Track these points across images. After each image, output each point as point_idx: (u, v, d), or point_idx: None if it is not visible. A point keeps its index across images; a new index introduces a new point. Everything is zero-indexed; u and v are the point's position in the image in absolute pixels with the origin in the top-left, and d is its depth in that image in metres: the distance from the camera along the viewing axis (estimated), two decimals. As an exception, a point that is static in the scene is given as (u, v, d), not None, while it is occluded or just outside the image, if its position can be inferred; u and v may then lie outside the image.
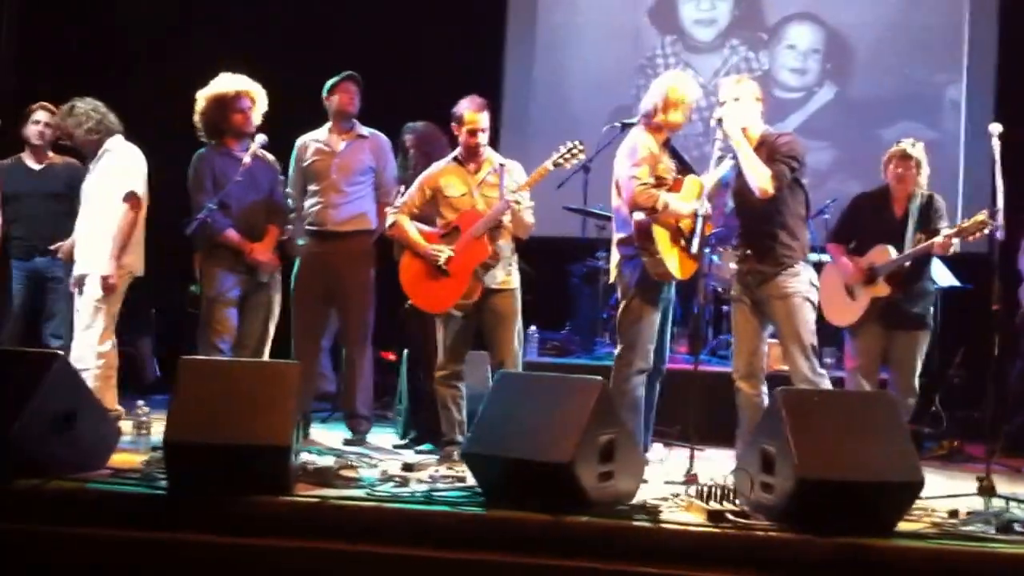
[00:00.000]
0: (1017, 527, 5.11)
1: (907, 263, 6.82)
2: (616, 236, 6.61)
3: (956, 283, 8.05)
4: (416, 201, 6.70)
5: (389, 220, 6.75)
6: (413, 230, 6.67)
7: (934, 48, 10.39)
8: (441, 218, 6.72)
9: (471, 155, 6.69)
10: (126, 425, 6.54)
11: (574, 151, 6.64)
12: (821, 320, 6.71)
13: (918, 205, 6.95)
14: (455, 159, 6.72)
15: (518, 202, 6.50)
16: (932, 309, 7.05)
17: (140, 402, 6.55)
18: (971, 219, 6.47)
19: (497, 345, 6.65)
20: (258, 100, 7.10)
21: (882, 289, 6.85)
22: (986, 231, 6.28)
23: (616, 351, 6.58)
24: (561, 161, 6.65)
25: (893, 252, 6.85)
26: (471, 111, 6.60)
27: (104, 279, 7.02)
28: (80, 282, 7.13)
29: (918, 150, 6.97)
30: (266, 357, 7.15)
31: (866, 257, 6.95)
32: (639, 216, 6.37)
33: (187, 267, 7.79)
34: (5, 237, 7.61)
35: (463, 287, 6.56)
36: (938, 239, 6.69)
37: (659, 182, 6.43)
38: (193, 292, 8.35)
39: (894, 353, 6.99)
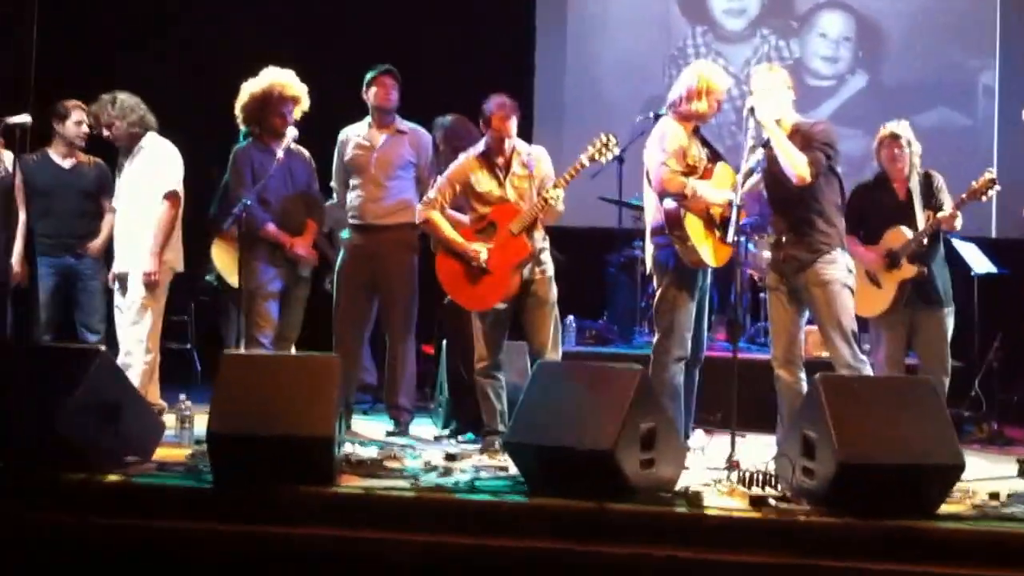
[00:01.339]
0: (1058, 508, 5.13)
1: (924, 240, 6.83)
2: (649, 225, 6.64)
3: (993, 269, 8.05)
4: (447, 196, 6.70)
5: (421, 216, 6.76)
6: (448, 227, 6.68)
7: (966, 34, 10.33)
8: (472, 211, 6.74)
9: (501, 149, 6.68)
10: (169, 419, 6.59)
11: (609, 144, 6.64)
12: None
13: (918, 184, 6.96)
14: (484, 152, 6.71)
15: (555, 198, 6.52)
16: (951, 290, 7.03)
17: (182, 396, 6.59)
18: (979, 179, 6.53)
19: (536, 331, 6.66)
20: (302, 102, 7.14)
21: (908, 271, 6.85)
22: (993, 189, 6.32)
23: (654, 339, 6.60)
24: (596, 155, 6.65)
25: (908, 232, 6.86)
26: (500, 117, 6.57)
27: (147, 275, 7.09)
28: (123, 279, 7.19)
29: (904, 128, 6.99)
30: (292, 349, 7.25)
31: (882, 243, 6.95)
32: (669, 204, 6.39)
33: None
34: (30, 231, 7.65)
35: (506, 286, 6.57)
36: (946, 209, 6.74)
37: (690, 170, 6.44)
38: (209, 282, 8.47)
39: (922, 335, 6.99)
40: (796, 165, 6.16)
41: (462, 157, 6.78)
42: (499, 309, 6.64)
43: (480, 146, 6.74)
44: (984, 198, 6.68)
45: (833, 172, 6.38)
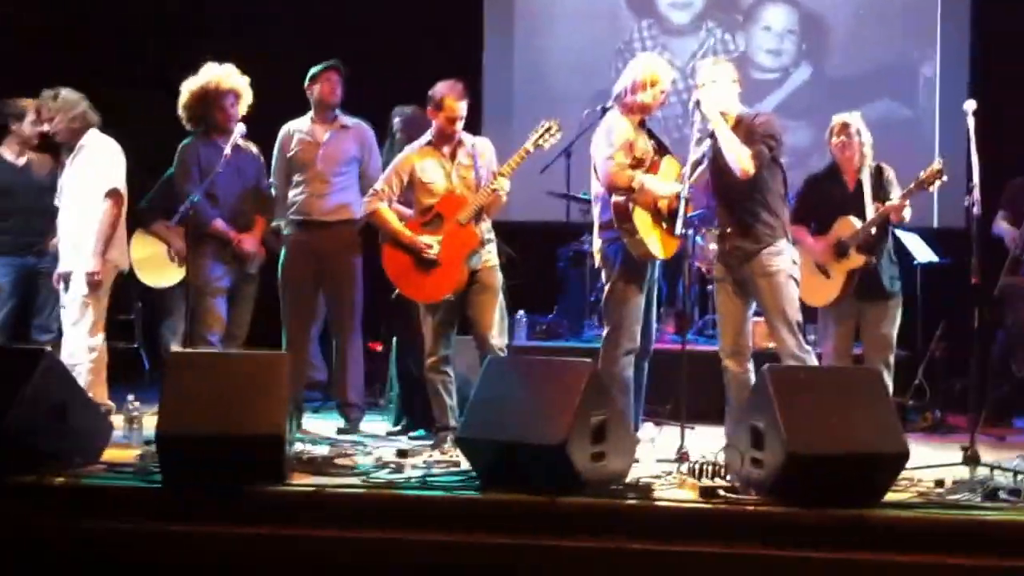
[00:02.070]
0: (1002, 494, 5.20)
1: (873, 230, 6.89)
2: (597, 219, 6.66)
3: (935, 258, 8.13)
4: (394, 187, 6.68)
5: (367, 208, 6.74)
6: (395, 219, 6.68)
7: (908, 25, 10.42)
8: (418, 203, 6.73)
9: (446, 139, 6.69)
10: (117, 420, 6.55)
11: (551, 130, 6.67)
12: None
13: (869, 176, 7.01)
14: (429, 143, 6.72)
15: (502, 187, 6.54)
16: (900, 282, 7.10)
17: (131, 396, 6.55)
18: (926, 170, 6.60)
19: (481, 316, 6.64)
20: (243, 95, 7.11)
21: (856, 260, 6.89)
22: (942, 180, 6.39)
23: (603, 333, 6.63)
24: (540, 142, 6.67)
25: (856, 222, 6.90)
26: (452, 98, 6.59)
27: (90, 275, 7.04)
28: (66, 278, 7.14)
29: (855, 118, 7.03)
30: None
31: (831, 233, 6.99)
32: (617, 197, 6.42)
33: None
34: None
35: (456, 277, 6.57)
36: (894, 200, 6.78)
37: (637, 163, 6.48)
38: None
39: (868, 327, 7.03)
40: (740, 158, 6.21)
41: (408, 148, 6.78)
42: (448, 302, 6.64)
43: (426, 136, 6.74)
44: (931, 188, 6.73)
45: (777, 163, 6.42)
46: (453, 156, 6.70)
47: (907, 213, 6.82)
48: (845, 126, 7.00)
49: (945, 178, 6.50)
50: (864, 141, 6.98)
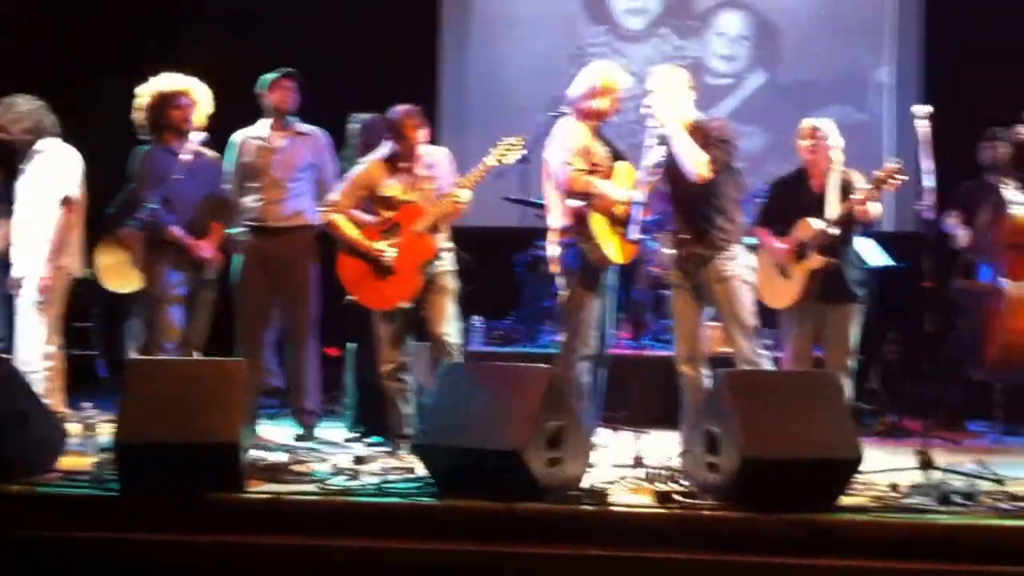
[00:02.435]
0: (956, 498, 5.25)
1: (836, 231, 6.91)
2: (553, 225, 6.67)
3: (890, 262, 8.20)
4: (352, 198, 6.67)
5: (323, 218, 6.73)
6: (352, 228, 6.65)
7: (862, 31, 10.50)
8: (376, 214, 6.72)
9: (404, 158, 6.69)
10: (74, 427, 6.50)
11: (513, 146, 6.67)
12: (759, 303, 6.81)
13: (837, 182, 7.03)
14: (387, 159, 6.71)
15: (462, 198, 6.54)
16: (864, 288, 7.14)
17: (87, 403, 6.51)
18: (883, 168, 6.61)
19: (436, 318, 6.64)
20: (200, 99, 7.09)
21: (816, 261, 6.88)
22: (901, 179, 6.41)
23: (560, 338, 6.64)
24: (502, 158, 6.68)
25: (816, 223, 6.89)
26: (411, 126, 6.61)
27: (42, 281, 7.01)
28: (18, 284, 7.10)
29: (824, 123, 7.06)
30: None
31: (792, 235, 7.02)
32: (574, 203, 6.44)
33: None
34: None
35: (412, 285, 6.58)
36: (855, 197, 6.78)
37: (593, 169, 6.50)
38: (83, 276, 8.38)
39: (828, 330, 7.03)
40: (694, 162, 6.25)
41: (366, 160, 6.78)
42: (404, 310, 6.64)
43: (385, 150, 6.73)
44: (890, 187, 6.72)
45: (731, 168, 6.46)
46: (410, 170, 6.69)
47: (876, 211, 6.80)
48: (814, 130, 7.01)
49: (905, 177, 6.47)
50: (832, 145, 7.01)
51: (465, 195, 6.55)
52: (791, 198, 7.09)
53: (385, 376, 6.68)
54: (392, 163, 6.69)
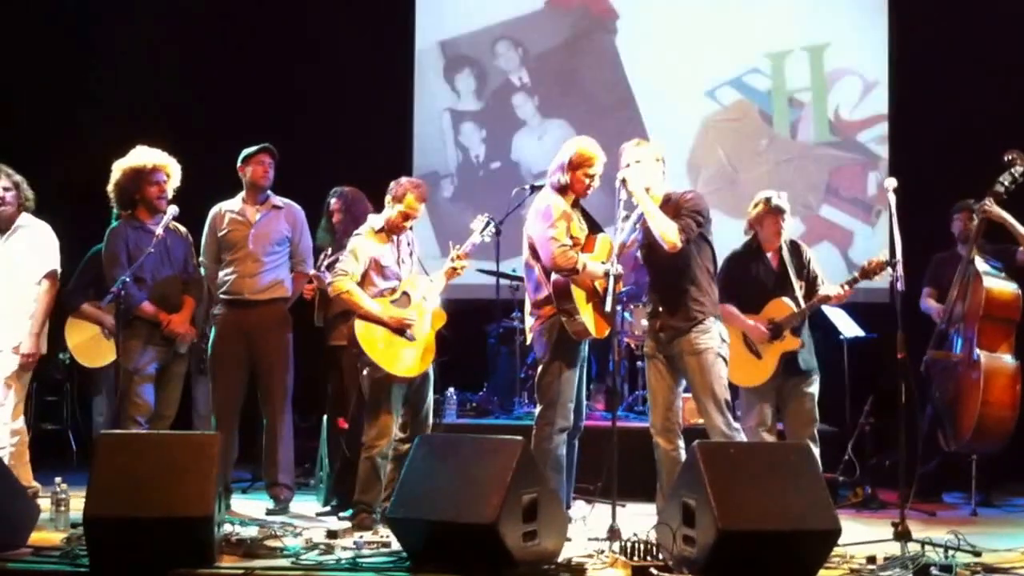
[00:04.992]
0: (934, 570, 5.26)
1: (807, 313, 6.99)
2: (531, 297, 6.69)
3: (861, 333, 8.24)
4: (359, 269, 6.77)
5: (336, 288, 6.73)
6: (368, 298, 6.73)
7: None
8: (371, 284, 6.79)
9: (396, 230, 6.87)
10: (44, 502, 6.45)
11: (489, 225, 7.11)
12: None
13: (788, 253, 7.11)
14: (380, 230, 6.85)
15: (460, 271, 6.89)
16: (814, 357, 7.18)
17: (58, 478, 6.45)
18: (872, 260, 6.68)
19: (424, 398, 6.89)
20: (173, 174, 7.12)
21: (791, 343, 6.96)
22: (888, 270, 6.44)
23: (536, 410, 6.63)
24: (485, 236, 7.09)
25: (790, 303, 6.98)
26: (414, 197, 6.83)
27: (26, 356, 7.04)
28: (-7, 358, 7.07)
29: (785, 200, 7.15)
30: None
31: (763, 313, 7.06)
32: (557, 277, 6.47)
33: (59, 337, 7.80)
34: None
35: (432, 352, 6.81)
36: (837, 290, 6.88)
37: (574, 242, 6.52)
38: (62, 360, 8.36)
39: (792, 404, 7.06)
40: (665, 232, 6.28)
41: (363, 232, 6.89)
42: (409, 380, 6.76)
43: (377, 222, 6.87)
44: (876, 278, 6.80)
45: (705, 240, 6.50)
46: (399, 244, 6.91)
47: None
48: (779, 210, 7.06)
49: (894, 269, 6.44)
50: (786, 218, 7.09)
51: (463, 266, 6.87)
52: (747, 273, 7.15)
53: (379, 450, 6.69)
54: (386, 235, 6.86)
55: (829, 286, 7.00)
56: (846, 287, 6.89)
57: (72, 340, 7.86)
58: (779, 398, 7.09)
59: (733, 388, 7.07)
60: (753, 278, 7.13)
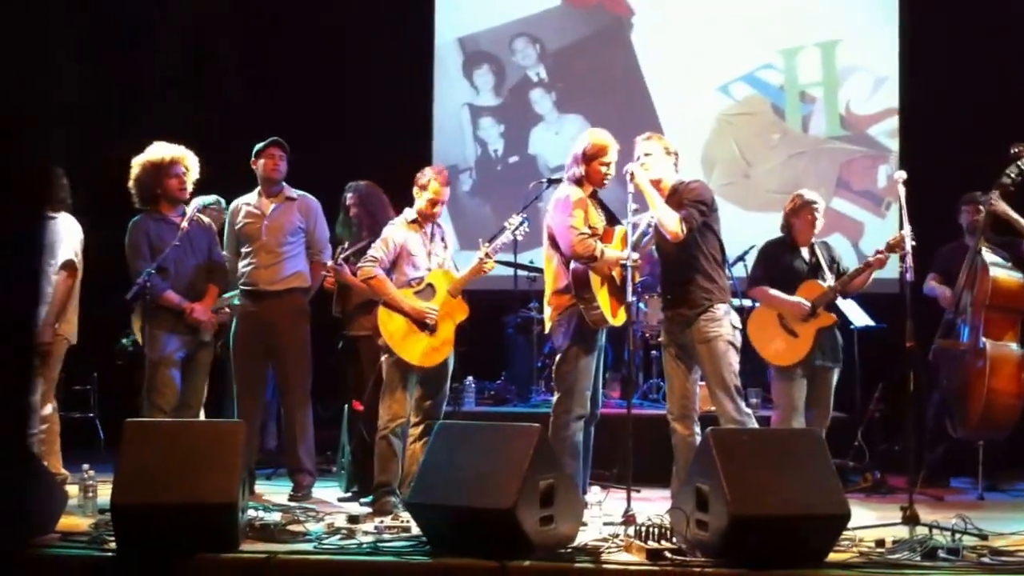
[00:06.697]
0: (941, 553, 5.33)
1: (839, 292, 7.20)
2: (550, 286, 6.77)
3: (871, 322, 8.32)
4: (387, 258, 6.89)
5: (366, 274, 6.87)
6: (393, 287, 6.86)
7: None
8: (401, 272, 6.92)
9: (428, 219, 7.00)
10: (72, 489, 6.55)
11: (523, 223, 7.12)
12: (748, 361, 6.93)
13: (821, 250, 7.35)
14: (414, 220, 6.99)
15: (491, 265, 6.95)
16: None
17: (85, 466, 6.55)
18: (898, 234, 6.74)
19: (439, 387, 7.00)
20: (191, 167, 7.22)
21: (825, 319, 7.19)
22: (907, 247, 6.52)
23: (554, 398, 6.72)
24: (517, 234, 7.12)
25: (822, 284, 7.19)
26: (439, 182, 6.94)
27: (40, 345, 7.09)
28: (17, 348, 7.15)
29: (819, 197, 7.38)
30: (202, 414, 7.30)
31: (799, 294, 7.24)
32: (576, 265, 6.56)
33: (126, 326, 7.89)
34: None
35: (451, 343, 6.91)
36: (874, 258, 7.05)
37: (592, 232, 6.60)
38: (123, 345, 8.44)
39: (817, 390, 7.24)
40: (668, 221, 6.40)
41: (397, 222, 7.02)
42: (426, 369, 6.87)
43: (411, 213, 7.00)
44: (898, 252, 6.86)
45: (710, 229, 6.60)
46: (432, 236, 7.03)
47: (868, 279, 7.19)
48: (813, 204, 7.27)
49: (903, 261, 6.51)
50: (820, 217, 7.28)
51: (492, 265, 6.95)
52: (786, 264, 7.33)
53: (393, 431, 6.80)
54: (418, 226, 6.99)
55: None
56: (882, 255, 6.99)
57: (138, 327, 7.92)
58: (810, 385, 7.24)
59: (760, 371, 7.22)
60: (788, 266, 7.32)
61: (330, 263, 7.55)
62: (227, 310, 7.50)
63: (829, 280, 7.20)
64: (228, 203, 7.67)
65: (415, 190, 7.00)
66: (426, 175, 6.97)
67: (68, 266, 7.22)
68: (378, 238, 6.97)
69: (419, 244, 6.96)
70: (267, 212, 7.55)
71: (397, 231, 6.95)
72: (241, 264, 7.55)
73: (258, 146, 7.61)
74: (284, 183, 7.64)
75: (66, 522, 5.96)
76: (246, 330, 7.51)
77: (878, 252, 6.99)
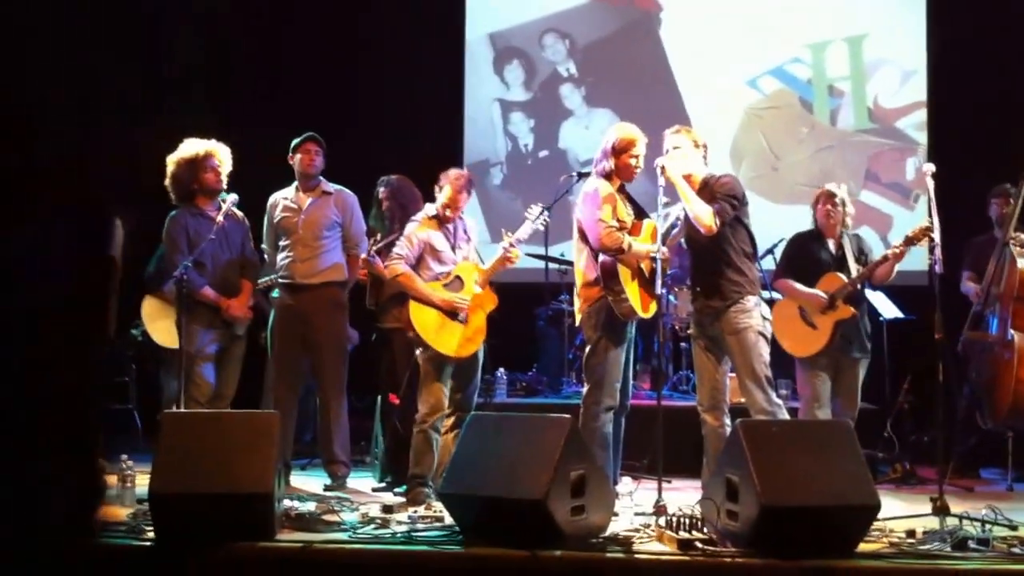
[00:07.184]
0: (971, 544, 5.34)
1: (859, 284, 7.22)
2: (580, 279, 6.81)
3: (900, 314, 8.34)
4: (412, 254, 6.99)
5: (393, 271, 6.98)
6: (420, 282, 6.96)
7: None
8: (427, 268, 7.00)
9: (449, 218, 7.10)
10: (110, 479, 6.62)
11: (544, 213, 7.18)
12: (777, 352, 6.96)
13: (850, 243, 7.35)
14: (435, 216, 7.08)
15: (516, 256, 7.00)
16: (870, 343, 7.36)
17: (124, 456, 6.63)
18: (916, 227, 6.78)
19: (471, 378, 7.09)
20: (224, 160, 7.31)
21: (844, 312, 7.17)
22: (930, 238, 6.52)
23: (584, 390, 6.76)
24: (539, 224, 7.16)
25: (843, 277, 7.20)
26: (454, 189, 7.03)
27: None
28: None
29: (841, 189, 7.39)
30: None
31: (817, 287, 7.26)
32: (604, 257, 6.61)
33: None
34: None
35: (482, 333, 7.01)
36: (892, 250, 7.03)
37: (620, 226, 6.65)
38: (133, 336, 8.53)
39: (843, 381, 7.26)
40: (701, 215, 6.44)
41: (419, 217, 7.11)
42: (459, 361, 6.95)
43: (431, 210, 7.09)
44: (921, 245, 6.89)
45: (740, 223, 6.64)
46: (455, 232, 7.12)
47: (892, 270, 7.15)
48: (831, 196, 7.31)
49: (932, 253, 6.52)
50: (848, 212, 7.28)
51: (517, 253, 6.96)
52: (811, 255, 7.36)
53: (431, 424, 6.88)
54: (440, 223, 7.06)
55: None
56: (899, 249, 6.97)
57: (153, 321, 7.98)
58: (837, 376, 7.26)
59: (789, 362, 7.25)
60: (813, 258, 7.36)
61: (364, 255, 7.61)
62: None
63: (854, 273, 7.23)
64: (241, 200, 7.64)
65: (436, 189, 7.10)
66: (447, 177, 7.07)
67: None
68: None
69: (443, 240, 7.05)
70: (303, 206, 7.63)
71: (419, 228, 7.04)
72: (279, 257, 7.64)
73: (295, 141, 7.70)
74: (321, 177, 7.71)
75: (105, 512, 5.99)
76: (283, 323, 7.60)
77: (895, 246, 7.00)
